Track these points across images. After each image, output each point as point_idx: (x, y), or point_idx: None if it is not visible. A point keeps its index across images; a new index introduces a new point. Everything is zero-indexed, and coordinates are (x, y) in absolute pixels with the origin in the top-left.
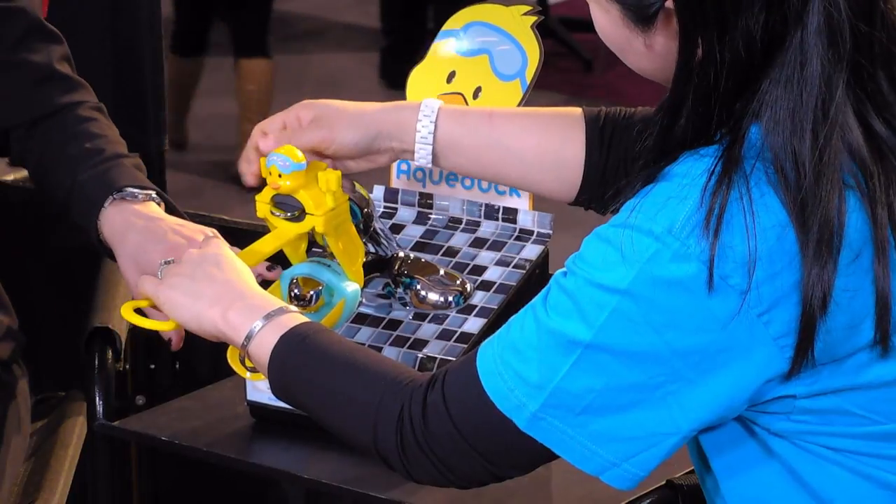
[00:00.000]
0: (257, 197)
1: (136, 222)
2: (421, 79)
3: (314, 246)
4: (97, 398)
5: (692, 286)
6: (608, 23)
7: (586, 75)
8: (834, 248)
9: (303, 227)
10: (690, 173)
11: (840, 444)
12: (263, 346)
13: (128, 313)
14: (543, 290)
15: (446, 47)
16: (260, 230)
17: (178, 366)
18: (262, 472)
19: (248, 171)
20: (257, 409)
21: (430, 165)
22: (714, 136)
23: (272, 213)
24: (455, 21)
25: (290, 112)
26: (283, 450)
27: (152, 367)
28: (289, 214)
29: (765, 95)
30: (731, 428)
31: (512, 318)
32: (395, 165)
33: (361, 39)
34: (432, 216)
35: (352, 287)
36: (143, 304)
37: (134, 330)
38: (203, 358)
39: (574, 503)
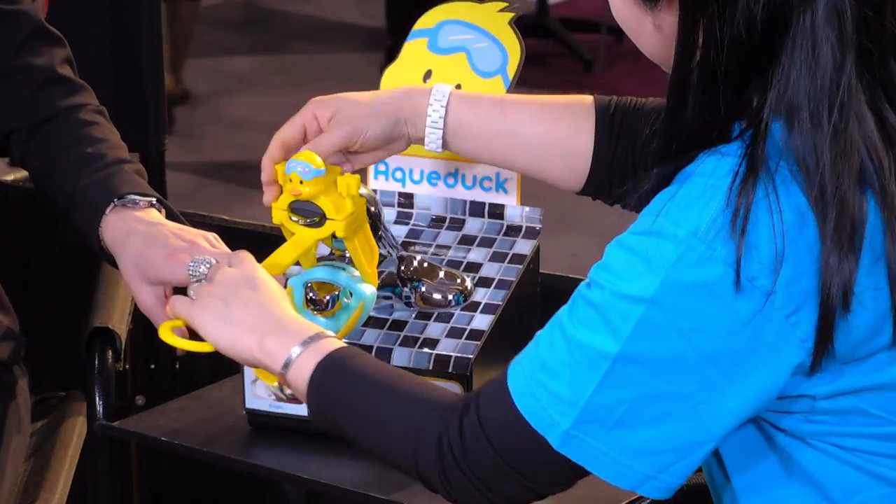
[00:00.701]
0: (274, 204)
1: (137, 227)
2: (395, 78)
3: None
4: (97, 398)
5: (718, 289)
6: (620, 4)
7: (586, 75)
8: (856, 240)
9: (323, 232)
10: (715, 174)
11: (853, 444)
12: (301, 373)
13: (166, 334)
14: (568, 303)
15: (419, 46)
16: (260, 230)
17: (178, 366)
18: (261, 473)
19: (268, 176)
20: (256, 416)
21: (440, 150)
22: (731, 129)
23: (291, 219)
24: (426, 20)
25: (306, 112)
26: (282, 450)
27: (152, 367)
28: (308, 220)
29: (779, 86)
30: (747, 431)
31: (538, 333)
32: (372, 166)
33: (361, 39)
34: (413, 216)
35: (369, 290)
36: (179, 323)
37: (134, 330)
38: (203, 358)
39: (574, 503)
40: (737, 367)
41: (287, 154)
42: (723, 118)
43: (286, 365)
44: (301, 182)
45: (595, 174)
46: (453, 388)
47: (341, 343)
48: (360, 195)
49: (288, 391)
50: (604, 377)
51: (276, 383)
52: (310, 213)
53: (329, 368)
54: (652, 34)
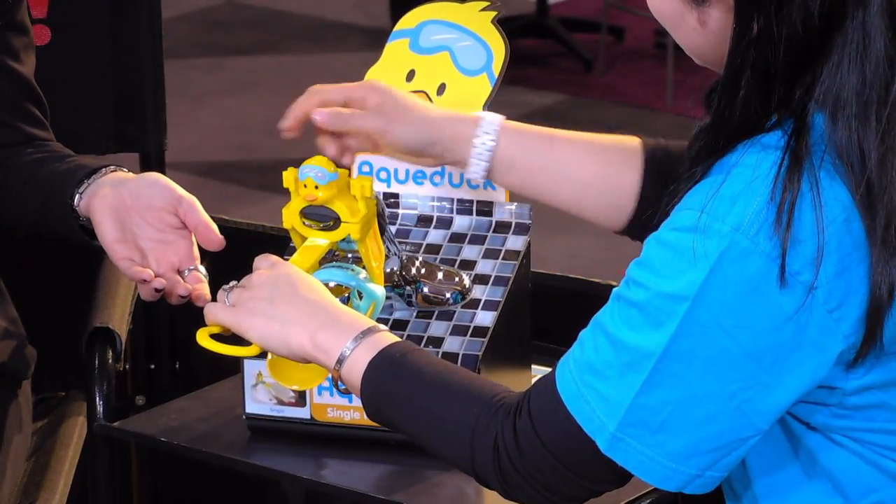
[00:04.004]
0: (285, 209)
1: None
2: (377, 79)
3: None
4: (97, 398)
5: (762, 284)
6: None
7: (586, 75)
8: None
9: (337, 235)
10: (759, 168)
11: (875, 440)
12: (355, 371)
13: (204, 339)
14: (608, 304)
15: (401, 47)
16: (260, 230)
17: (178, 366)
18: (261, 473)
19: (290, 121)
20: (256, 420)
21: (480, 180)
22: (770, 119)
23: (304, 224)
24: (407, 21)
25: (357, 90)
26: (282, 451)
27: (152, 367)
28: (323, 225)
29: (827, 81)
30: (772, 432)
31: (581, 334)
32: (355, 166)
33: (361, 39)
34: (400, 215)
35: (380, 290)
36: (215, 329)
37: (134, 330)
38: (203, 358)
39: None
40: (780, 364)
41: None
42: (773, 111)
43: (340, 361)
44: (316, 187)
45: (639, 216)
46: None
47: (394, 337)
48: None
49: (289, 395)
50: (648, 377)
51: (293, 386)
52: (324, 218)
53: (382, 366)
54: (694, 29)
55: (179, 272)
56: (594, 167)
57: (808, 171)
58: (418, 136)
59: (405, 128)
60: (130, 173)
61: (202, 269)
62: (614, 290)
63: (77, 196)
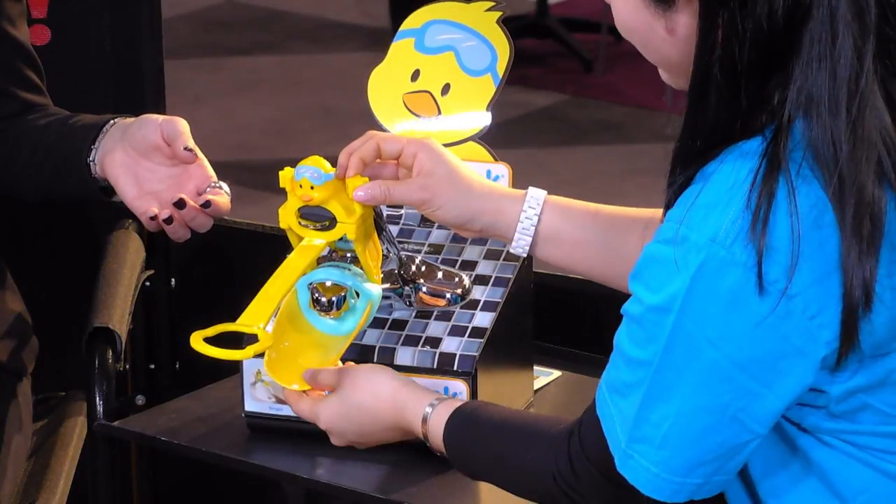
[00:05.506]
0: (281, 209)
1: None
2: (383, 79)
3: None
4: (97, 398)
5: (741, 295)
6: (628, 11)
7: (586, 75)
8: (876, 236)
9: (333, 235)
10: (735, 176)
11: (865, 442)
12: (436, 428)
13: (198, 343)
14: (622, 323)
15: (406, 47)
16: (260, 230)
17: (178, 366)
18: (261, 473)
19: (352, 170)
20: (255, 419)
21: (525, 254)
22: (754, 124)
23: (300, 224)
24: (413, 20)
25: (411, 146)
26: (282, 450)
27: (152, 367)
28: (319, 225)
29: (799, 80)
30: (769, 436)
31: (611, 357)
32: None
33: (361, 39)
34: (403, 215)
35: (376, 289)
36: (209, 333)
37: (134, 330)
38: (203, 358)
39: None
40: (769, 372)
41: (372, 159)
42: (745, 112)
43: (424, 421)
44: (312, 188)
45: None
46: (458, 386)
47: (463, 399)
48: None
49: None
50: (647, 391)
51: (292, 386)
52: (320, 218)
53: (459, 419)
54: (664, 39)
55: (200, 194)
56: (639, 241)
57: (784, 178)
58: (459, 213)
59: (447, 203)
60: (128, 119)
61: (224, 185)
62: (623, 306)
63: (92, 165)
